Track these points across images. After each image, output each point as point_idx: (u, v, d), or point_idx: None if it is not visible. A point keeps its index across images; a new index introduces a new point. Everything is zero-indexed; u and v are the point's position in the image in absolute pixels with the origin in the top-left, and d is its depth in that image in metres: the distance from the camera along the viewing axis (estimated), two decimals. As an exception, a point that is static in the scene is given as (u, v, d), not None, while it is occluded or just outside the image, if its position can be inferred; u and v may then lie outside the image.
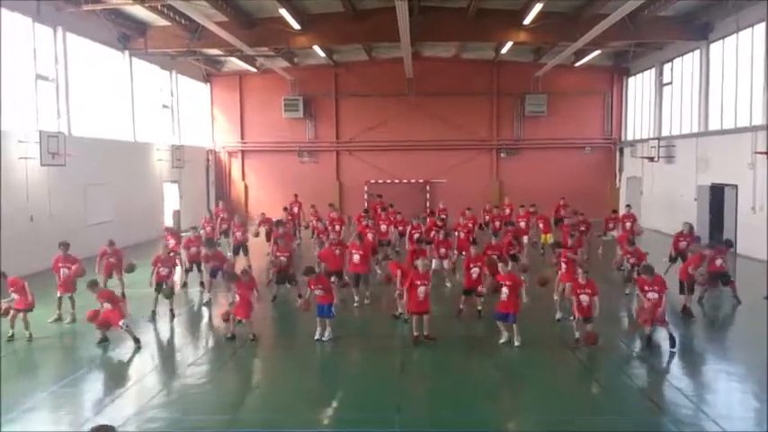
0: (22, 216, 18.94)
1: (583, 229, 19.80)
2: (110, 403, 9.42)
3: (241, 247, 19.47)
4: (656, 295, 11.48)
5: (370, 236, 18.24)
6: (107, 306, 12.02)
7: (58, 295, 13.77)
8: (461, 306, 13.86)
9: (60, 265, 13.87)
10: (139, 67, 27.35)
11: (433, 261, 16.65)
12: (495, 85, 34.22)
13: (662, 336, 11.76)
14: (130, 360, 11.51)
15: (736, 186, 22.47)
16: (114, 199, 24.20)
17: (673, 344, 11.47)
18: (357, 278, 15.04)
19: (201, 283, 16.66)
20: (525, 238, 20.35)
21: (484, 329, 12.82)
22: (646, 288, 11.58)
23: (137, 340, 11.96)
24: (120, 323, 11.85)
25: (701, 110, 25.55)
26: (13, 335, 12.34)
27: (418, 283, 11.93)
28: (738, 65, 22.87)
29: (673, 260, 16.60)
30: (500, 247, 15.49)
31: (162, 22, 24.55)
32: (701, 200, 25.03)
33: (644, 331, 11.73)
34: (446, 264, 17.20)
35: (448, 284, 16.63)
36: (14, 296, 12.37)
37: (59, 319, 13.61)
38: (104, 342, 12.02)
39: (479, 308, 13.77)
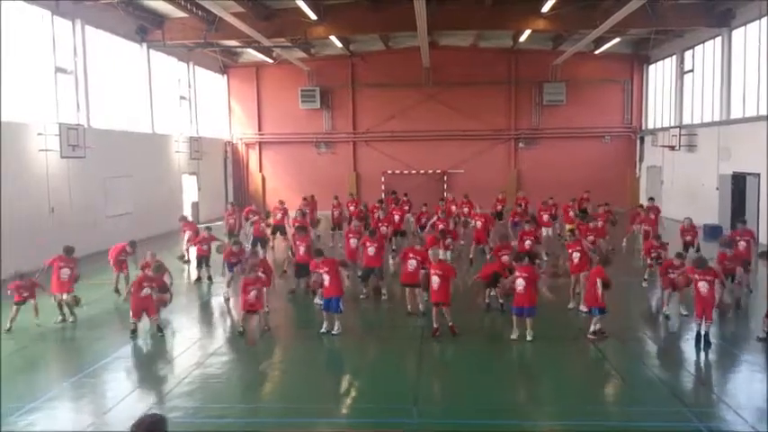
0: (43, 208, 19.15)
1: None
2: (132, 392, 9.54)
3: (260, 240, 19.55)
4: (707, 285, 11.11)
5: (383, 228, 18.38)
6: (147, 292, 12.17)
7: (59, 298, 13.26)
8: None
9: (62, 264, 13.31)
10: (157, 59, 27.49)
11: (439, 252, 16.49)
12: (512, 74, 33.97)
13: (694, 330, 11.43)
14: (151, 351, 11.63)
15: (758, 175, 22.13)
16: (133, 191, 24.40)
17: (707, 344, 11.06)
18: (369, 272, 14.96)
19: (209, 278, 16.94)
20: (545, 231, 20.13)
21: (500, 321, 12.76)
22: (697, 277, 11.22)
23: (161, 330, 12.19)
24: (154, 317, 12.17)
25: (722, 97, 25.17)
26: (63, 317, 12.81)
27: (432, 272, 11.91)
28: (761, 51, 22.46)
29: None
30: (511, 247, 14.85)
31: (179, 13, 24.66)
32: (723, 189, 24.71)
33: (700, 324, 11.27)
34: (448, 254, 17.05)
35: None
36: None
37: (64, 320, 13.23)
38: (158, 331, 12.16)
39: (487, 300, 13.72)
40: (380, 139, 34.68)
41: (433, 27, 24.39)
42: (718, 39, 25.48)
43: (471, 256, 18.73)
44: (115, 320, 13.22)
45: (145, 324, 12.29)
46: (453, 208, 23.33)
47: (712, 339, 11.23)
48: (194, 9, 23.60)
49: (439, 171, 34.29)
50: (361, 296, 14.99)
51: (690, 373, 10.31)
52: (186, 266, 18.71)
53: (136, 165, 24.70)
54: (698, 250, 16.44)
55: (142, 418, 4.52)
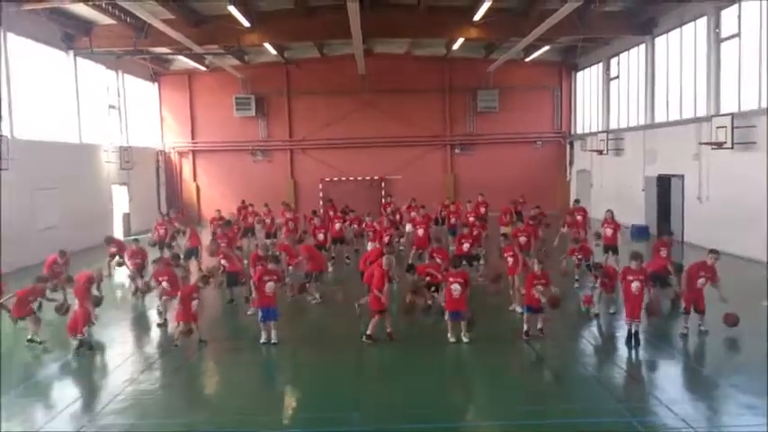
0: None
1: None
2: (63, 411, 9.16)
3: (193, 252, 19.12)
4: (639, 284, 11.31)
5: (321, 236, 18.83)
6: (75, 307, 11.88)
7: None
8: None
9: None
10: (84, 67, 26.68)
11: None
12: (447, 82, 34.45)
13: (624, 329, 11.75)
14: (83, 367, 11.22)
15: (682, 177, 23.08)
16: (62, 203, 23.53)
17: (637, 342, 11.34)
18: (309, 276, 15.20)
19: (136, 289, 16.12)
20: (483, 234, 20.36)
21: (438, 325, 12.83)
22: (629, 278, 11.38)
23: (91, 347, 11.80)
24: (84, 330, 11.77)
25: (647, 103, 26.15)
26: None
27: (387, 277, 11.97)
28: (682, 58, 23.45)
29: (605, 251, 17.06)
30: (443, 251, 14.96)
31: (107, 20, 23.95)
32: (649, 191, 25.66)
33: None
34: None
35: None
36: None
37: None
38: (89, 349, 11.75)
39: (430, 302, 13.75)
40: (317, 147, 34.57)
41: (368, 34, 24.50)
42: (642, 46, 26.46)
43: (410, 261, 18.79)
44: (44, 336, 12.68)
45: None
46: (398, 216, 23.41)
47: (642, 336, 11.60)
48: (122, 15, 23.00)
49: (377, 177, 34.41)
50: (310, 298, 15.10)
51: (622, 369, 10.59)
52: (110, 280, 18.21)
53: (63, 176, 23.83)
54: (616, 252, 16.89)
55: None
